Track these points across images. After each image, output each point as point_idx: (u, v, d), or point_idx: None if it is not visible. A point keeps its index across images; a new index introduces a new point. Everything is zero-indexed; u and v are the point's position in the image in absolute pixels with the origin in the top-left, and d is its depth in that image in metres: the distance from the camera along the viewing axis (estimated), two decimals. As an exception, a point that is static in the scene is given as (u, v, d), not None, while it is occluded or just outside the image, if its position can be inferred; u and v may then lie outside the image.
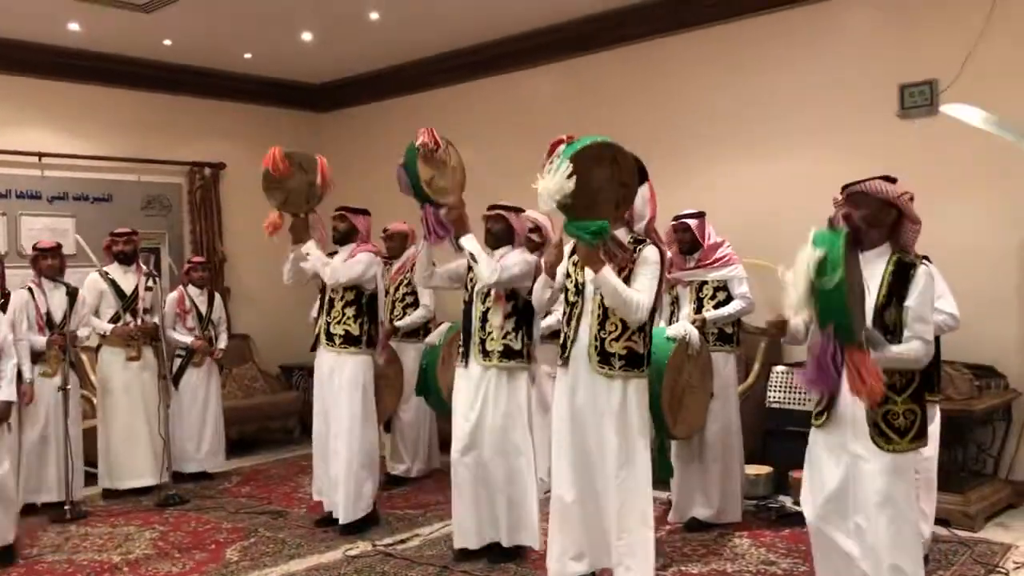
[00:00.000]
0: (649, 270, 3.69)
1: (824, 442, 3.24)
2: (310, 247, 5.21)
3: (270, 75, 8.75)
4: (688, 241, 5.10)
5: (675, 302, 5.21)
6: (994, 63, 5.40)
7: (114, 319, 6.30)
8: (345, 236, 5.36)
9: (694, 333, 4.68)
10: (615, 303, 3.64)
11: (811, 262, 2.85)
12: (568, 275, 3.91)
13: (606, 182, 3.50)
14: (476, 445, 4.49)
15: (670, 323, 5.07)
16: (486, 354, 4.48)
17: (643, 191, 3.81)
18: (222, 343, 6.93)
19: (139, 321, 6.30)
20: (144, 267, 6.45)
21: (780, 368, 5.85)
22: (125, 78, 7.97)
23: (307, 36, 7.49)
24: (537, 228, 5.59)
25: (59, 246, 6.07)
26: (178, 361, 6.73)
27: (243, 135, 8.79)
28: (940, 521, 4.70)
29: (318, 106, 9.41)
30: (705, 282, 5.12)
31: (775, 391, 5.79)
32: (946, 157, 5.58)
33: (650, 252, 3.73)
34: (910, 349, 3.10)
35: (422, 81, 8.44)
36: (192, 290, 6.87)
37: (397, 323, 6.36)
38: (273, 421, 8.07)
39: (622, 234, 3.80)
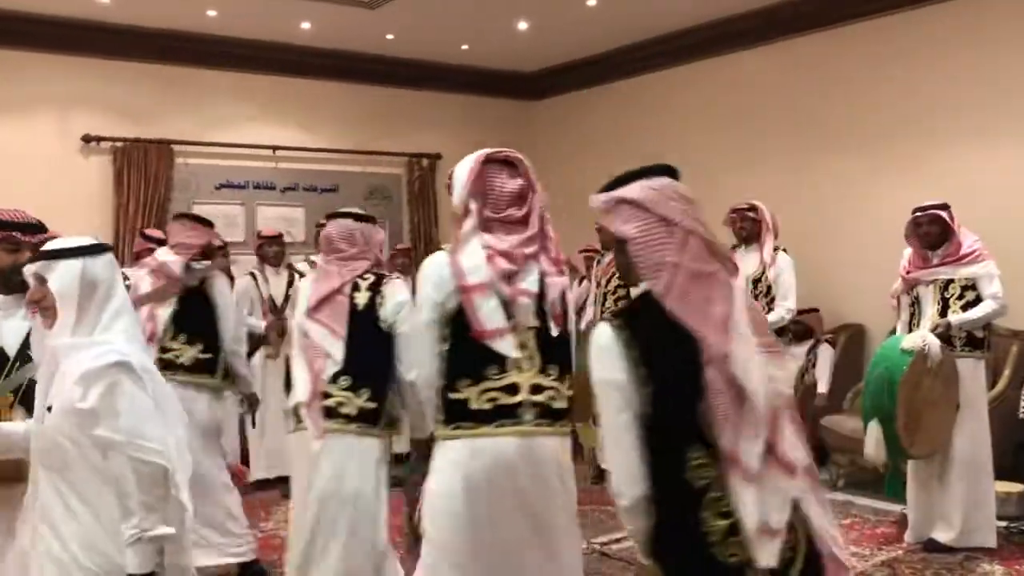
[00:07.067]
0: None
1: None
2: None
3: (485, 65, 8.83)
4: (936, 234, 4.66)
5: (915, 303, 4.76)
6: None
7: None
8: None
9: (934, 344, 4.23)
10: None
11: None
12: None
13: None
14: None
15: (909, 329, 4.65)
16: None
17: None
18: None
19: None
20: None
21: (1036, 376, 5.26)
22: (350, 73, 8.29)
23: (523, 25, 7.49)
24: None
25: (280, 235, 6.35)
26: None
27: (458, 126, 8.93)
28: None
29: (531, 94, 9.42)
30: (951, 281, 4.66)
31: (1032, 401, 5.21)
32: None
33: None
34: None
35: (635, 66, 8.24)
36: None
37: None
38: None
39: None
